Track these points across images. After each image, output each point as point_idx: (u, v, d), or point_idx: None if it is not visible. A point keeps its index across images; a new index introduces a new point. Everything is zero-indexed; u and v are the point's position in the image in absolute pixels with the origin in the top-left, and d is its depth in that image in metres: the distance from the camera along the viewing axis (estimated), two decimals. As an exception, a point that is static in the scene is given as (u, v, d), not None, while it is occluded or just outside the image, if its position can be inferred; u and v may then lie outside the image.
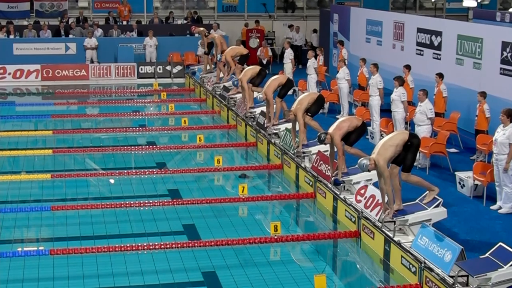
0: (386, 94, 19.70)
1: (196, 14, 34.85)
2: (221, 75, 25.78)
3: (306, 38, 34.92)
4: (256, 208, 15.46)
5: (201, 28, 28.53)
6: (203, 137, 20.08)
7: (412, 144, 12.56)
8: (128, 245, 12.75)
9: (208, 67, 27.67)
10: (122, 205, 14.97)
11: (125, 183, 17.03)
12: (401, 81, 18.31)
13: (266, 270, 12.39)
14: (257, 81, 21.30)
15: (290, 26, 34.77)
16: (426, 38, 22.41)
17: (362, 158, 12.65)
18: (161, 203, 15.21)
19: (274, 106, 19.22)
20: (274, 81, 19.21)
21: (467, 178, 15.24)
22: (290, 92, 20.31)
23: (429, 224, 12.13)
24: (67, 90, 28.48)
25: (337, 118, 20.75)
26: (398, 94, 18.08)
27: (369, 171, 12.84)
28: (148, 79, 30.49)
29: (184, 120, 22.25)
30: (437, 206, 12.60)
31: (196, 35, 30.45)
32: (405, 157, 12.55)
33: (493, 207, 14.37)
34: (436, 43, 21.80)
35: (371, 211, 13.33)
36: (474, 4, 26.28)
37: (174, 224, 14.46)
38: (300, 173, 16.69)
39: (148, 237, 13.52)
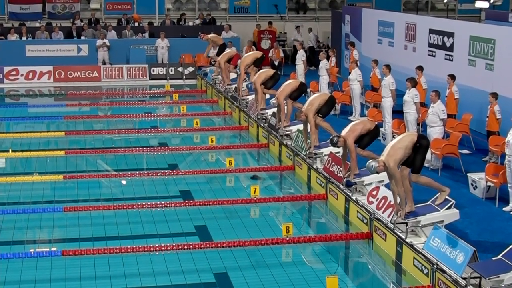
0: (398, 95, 19.67)
1: (210, 16, 34.86)
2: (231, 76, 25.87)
3: (303, 37, 34.67)
4: (268, 210, 15.47)
5: (209, 36, 28.58)
6: (215, 138, 20.11)
7: (421, 145, 12.54)
8: (140, 246, 12.77)
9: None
10: (134, 206, 15.00)
11: (137, 184, 17.07)
12: (413, 83, 18.28)
13: (278, 271, 12.38)
14: (270, 83, 21.29)
15: (297, 27, 34.67)
16: (438, 39, 22.36)
17: (370, 160, 12.62)
18: (173, 204, 15.24)
19: (285, 108, 19.23)
20: (287, 86, 19.21)
21: (479, 179, 15.19)
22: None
23: (442, 226, 12.10)
24: (79, 91, 28.54)
25: (349, 119, 20.88)
26: (411, 96, 18.05)
27: (377, 173, 12.79)
28: (160, 80, 30.53)
29: (196, 122, 22.28)
30: (449, 207, 12.58)
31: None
32: (414, 158, 12.54)
33: (506, 209, 14.31)
34: (448, 44, 21.74)
35: (383, 212, 13.31)
36: (487, 5, 26.14)
37: (186, 225, 14.49)
38: (312, 175, 16.68)
39: (160, 238, 13.55)
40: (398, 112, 19.43)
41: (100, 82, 30.35)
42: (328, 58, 25.13)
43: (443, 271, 11.02)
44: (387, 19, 26.49)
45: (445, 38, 21.93)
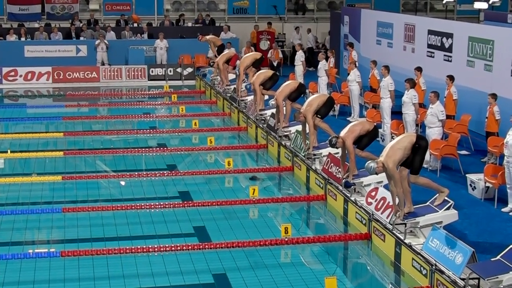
0: (397, 96, 19.68)
1: (209, 17, 34.86)
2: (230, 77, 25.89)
3: (302, 37, 34.67)
4: (267, 210, 15.46)
5: (208, 37, 28.60)
6: (214, 139, 20.10)
7: (420, 146, 12.54)
8: (138, 247, 12.77)
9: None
10: (133, 207, 14.97)
11: (136, 185, 17.05)
12: (412, 83, 18.30)
13: (276, 272, 12.37)
14: (268, 84, 21.27)
15: (296, 28, 34.66)
16: (437, 40, 22.37)
17: (369, 161, 12.61)
18: (171, 205, 15.22)
19: (284, 108, 19.23)
20: (286, 87, 19.21)
21: (478, 180, 15.20)
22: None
23: (440, 227, 12.09)
24: (78, 92, 28.54)
25: (348, 120, 20.88)
26: (410, 96, 18.07)
27: (376, 174, 12.79)
28: (159, 81, 30.52)
29: (195, 122, 22.27)
30: (448, 208, 12.58)
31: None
32: (413, 159, 12.54)
33: (505, 210, 14.32)
34: (447, 45, 21.75)
35: (381, 213, 13.31)
36: (485, 6, 26.19)
37: (185, 226, 14.47)
38: (310, 175, 16.67)
39: (158, 239, 13.53)
40: (397, 113, 19.45)
41: (99, 82, 30.34)
42: (327, 59, 25.14)
43: (442, 272, 11.01)
44: (386, 20, 26.50)
45: (444, 39, 21.93)
